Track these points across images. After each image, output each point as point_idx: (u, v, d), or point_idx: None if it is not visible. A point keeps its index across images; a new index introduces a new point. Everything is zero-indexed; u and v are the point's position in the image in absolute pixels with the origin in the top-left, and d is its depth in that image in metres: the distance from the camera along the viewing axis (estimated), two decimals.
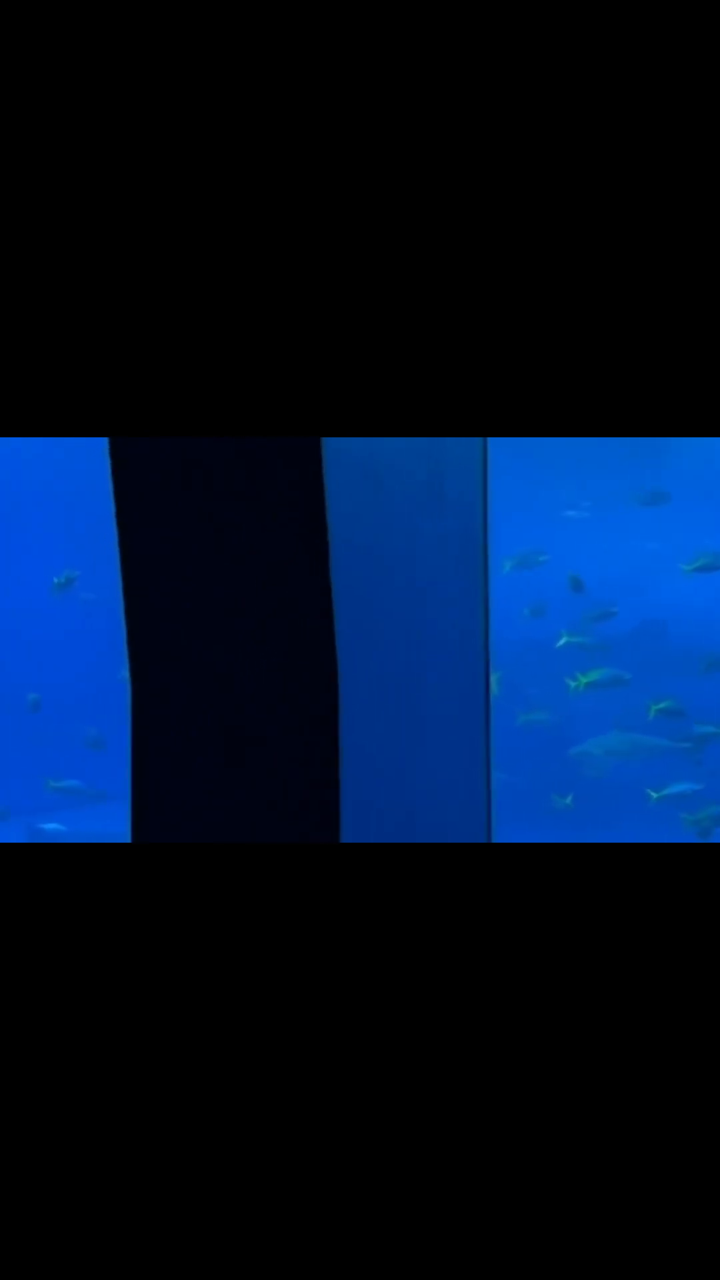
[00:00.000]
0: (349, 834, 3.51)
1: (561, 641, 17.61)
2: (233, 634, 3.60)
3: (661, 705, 15.97)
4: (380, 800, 3.66)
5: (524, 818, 17.54)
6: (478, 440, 4.15)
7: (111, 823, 15.64)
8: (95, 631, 22.14)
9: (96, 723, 19.45)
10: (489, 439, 4.11)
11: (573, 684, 16.40)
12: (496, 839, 4.08)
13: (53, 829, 17.50)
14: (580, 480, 22.08)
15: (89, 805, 17.92)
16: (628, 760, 16.98)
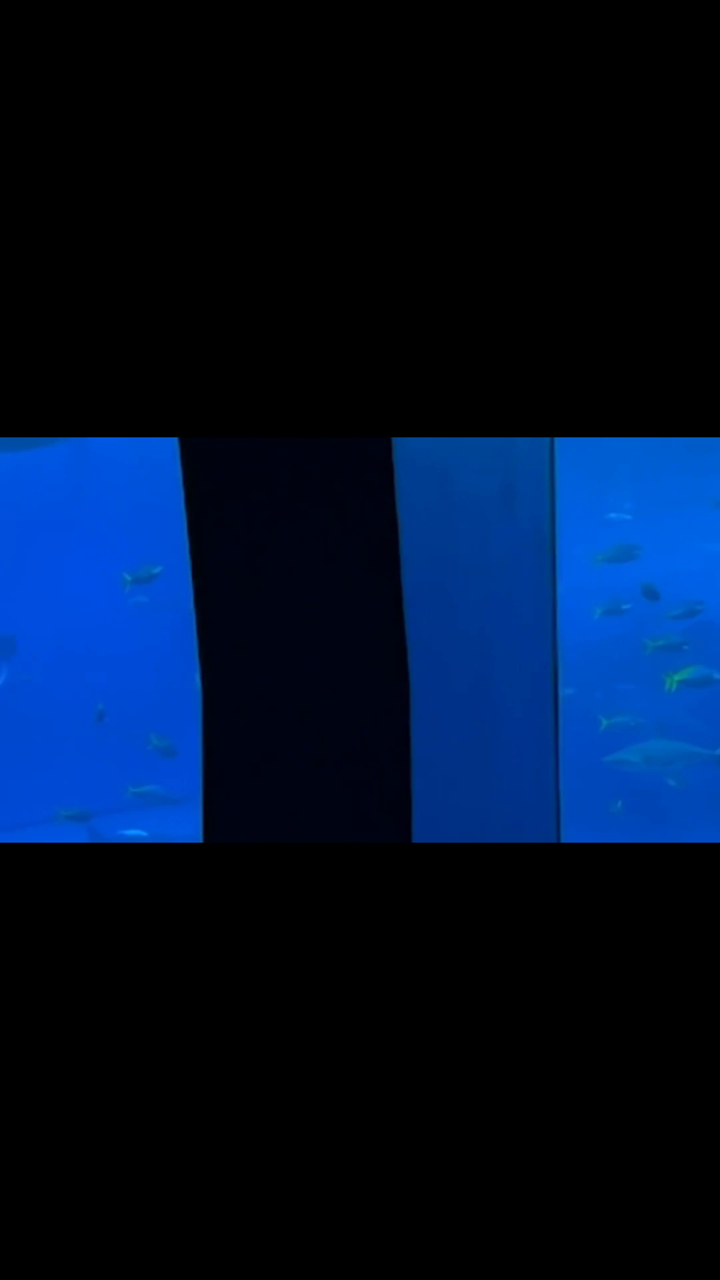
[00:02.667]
0: (420, 834, 3.51)
1: (650, 647, 17.54)
2: (303, 635, 3.60)
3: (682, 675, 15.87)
4: (451, 800, 3.66)
5: (595, 818, 17.48)
6: (545, 440, 4.14)
7: (182, 826, 15.70)
8: (154, 635, 22.17)
9: (159, 728, 19.49)
10: (556, 439, 4.11)
11: (668, 682, 16.33)
12: (566, 839, 4.08)
13: (134, 834, 17.57)
14: (634, 482, 21.98)
15: (161, 809, 17.98)
16: (667, 768, 16.84)
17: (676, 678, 16.42)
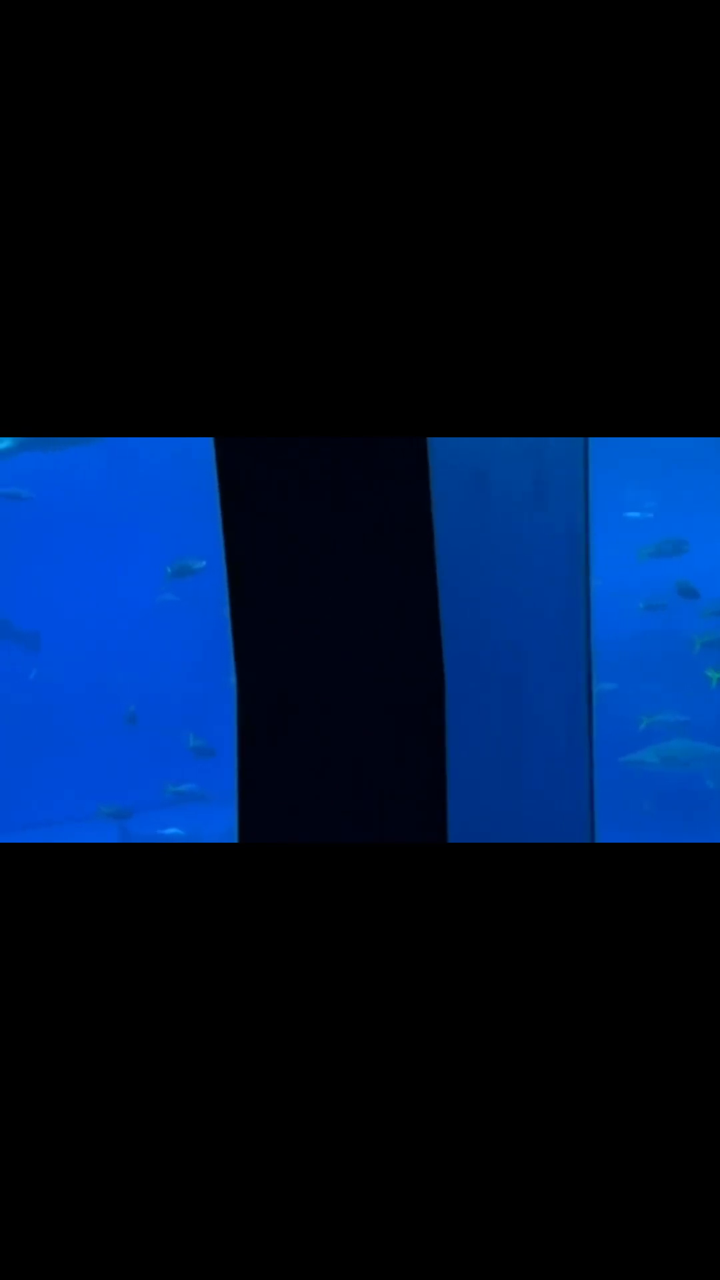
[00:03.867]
0: (456, 834, 3.51)
1: (698, 645, 17.49)
2: (338, 635, 3.61)
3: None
4: (487, 800, 3.66)
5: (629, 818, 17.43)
6: (579, 440, 4.14)
7: (220, 825, 15.72)
8: (184, 634, 22.19)
9: (189, 726, 19.50)
10: (590, 439, 4.11)
11: (714, 676, 16.27)
12: (600, 839, 4.08)
13: (172, 833, 17.59)
14: (660, 478, 21.91)
15: (198, 806, 18.00)
16: (686, 769, 16.71)
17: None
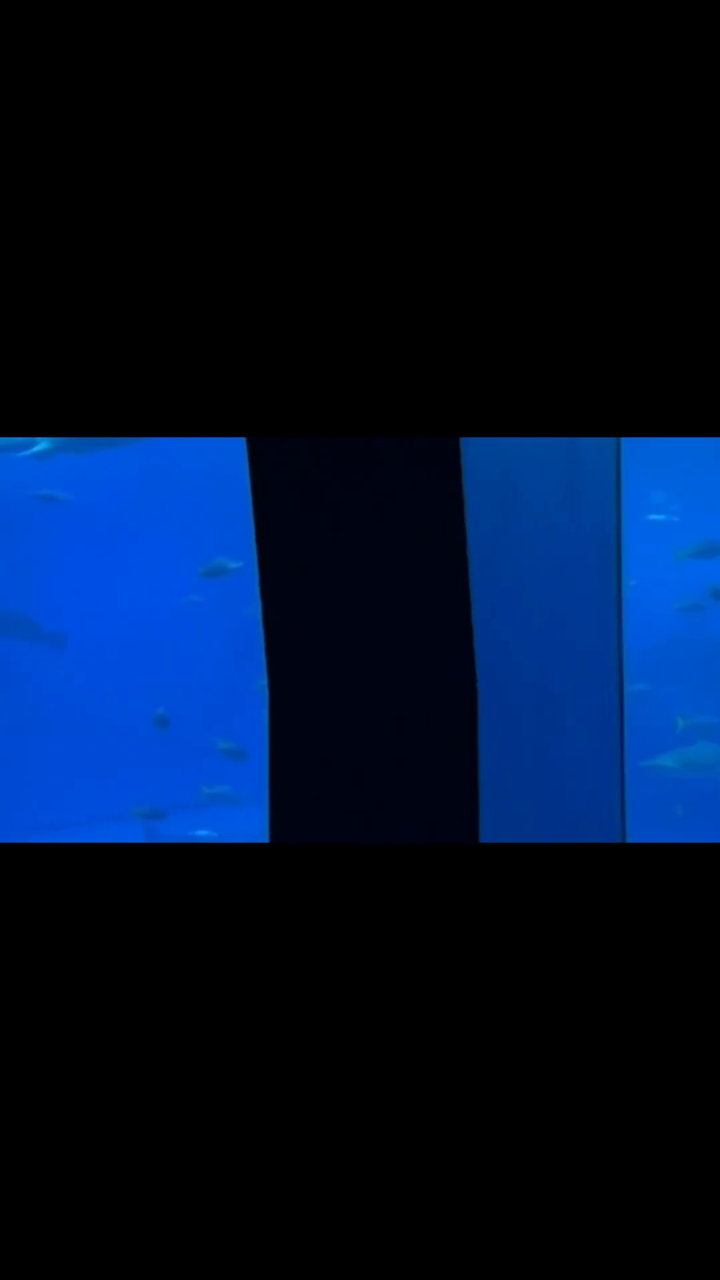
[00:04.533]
0: (488, 834, 3.52)
1: None
2: (370, 635, 3.61)
3: None
4: (518, 800, 3.66)
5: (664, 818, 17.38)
6: (612, 440, 4.14)
7: (247, 827, 15.73)
8: (210, 634, 22.21)
9: (216, 727, 19.52)
10: (623, 439, 4.10)
11: None
12: (631, 839, 4.07)
13: (203, 835, 17.61)
14: (669, 482, 21.86)
15: (226, 809, 18.02)
16: (708, 774, 16.58)
17: None
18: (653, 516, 22.19)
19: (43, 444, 17.30)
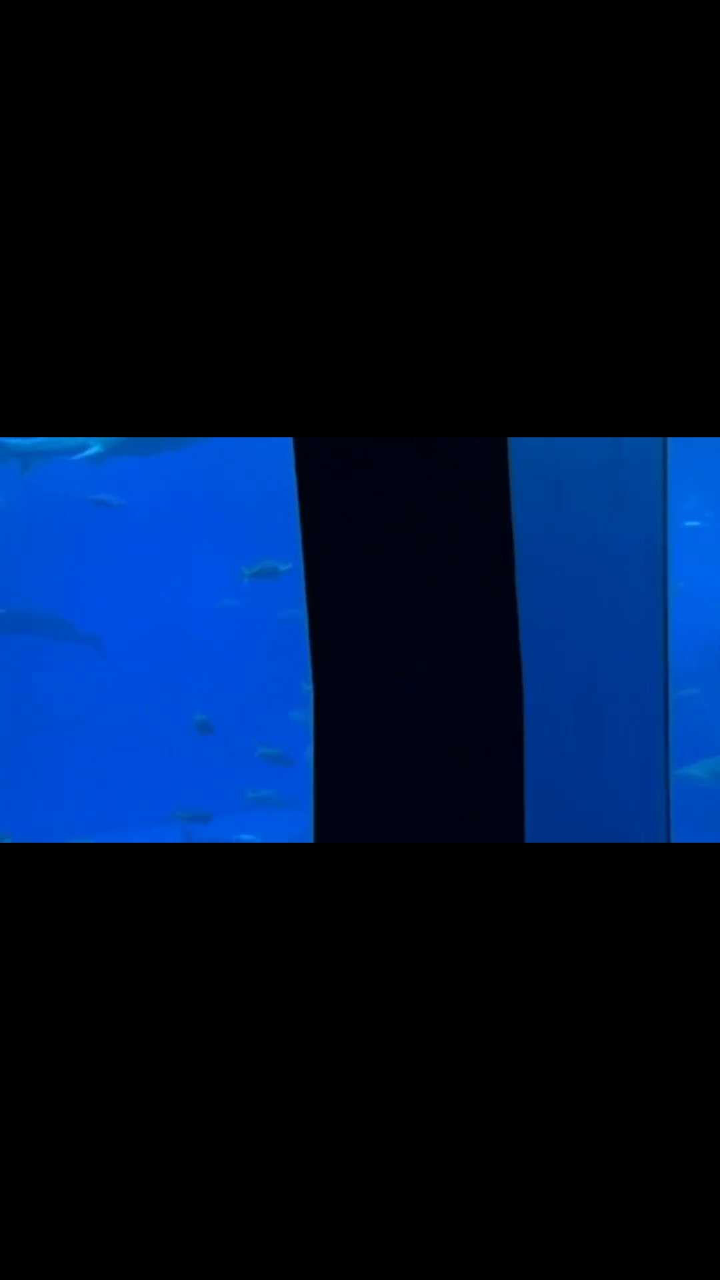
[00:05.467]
0: (533, 834, 3.51)
1: None
2: (417, 636, 3.61)
3: None
4: (563, 801, 3.66)
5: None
6: (658, 440, 4.12)
7: (290, 830, 15.73)
8: (249, 639, 22.21)
9: (251, 728, 19.52)
10: (669, 439, 4.09)
11: None
12: (675, 839, 4.06)
13: (247, 838, 17.60)
14: (706, 488, 21.75)
15: (268, 812, 18.02)
16: None
17: None
18: (688, 523, 22.10)
19: (95, 447, 17.33)
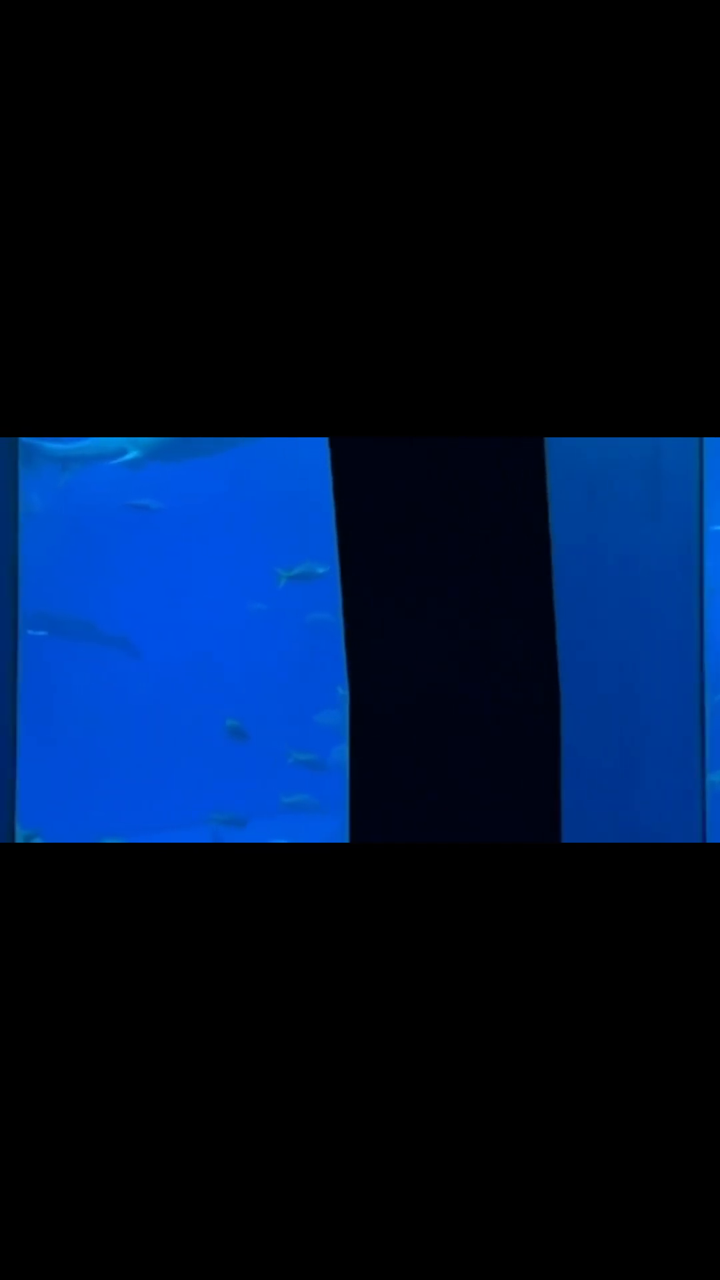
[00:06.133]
0: (570, 834, 3.50)
1: None
2: (453, 636, 3.60)
3: None
4: (599, 801, 3.64)
5: None
6: (694, 446, 4.11)
7: (323, 834, 15.66)
8: (280, 642, 22.12)
9: (295, 735, 19.43)
10: (706, 444, 4.08)
11: None
12: (711, 839, 4.05)
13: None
14: None
15: (301, 816, 17.95)
16: None
17: None
18: (716, 527, 21.87)
19: (133, 452, 17.30)
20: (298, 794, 18.20)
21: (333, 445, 3.73)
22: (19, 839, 4.37)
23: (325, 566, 16.32)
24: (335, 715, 18.02)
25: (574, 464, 3.63)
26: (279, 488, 22.08)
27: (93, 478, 19.24)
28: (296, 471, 21.08)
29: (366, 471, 3.68)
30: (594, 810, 3.61)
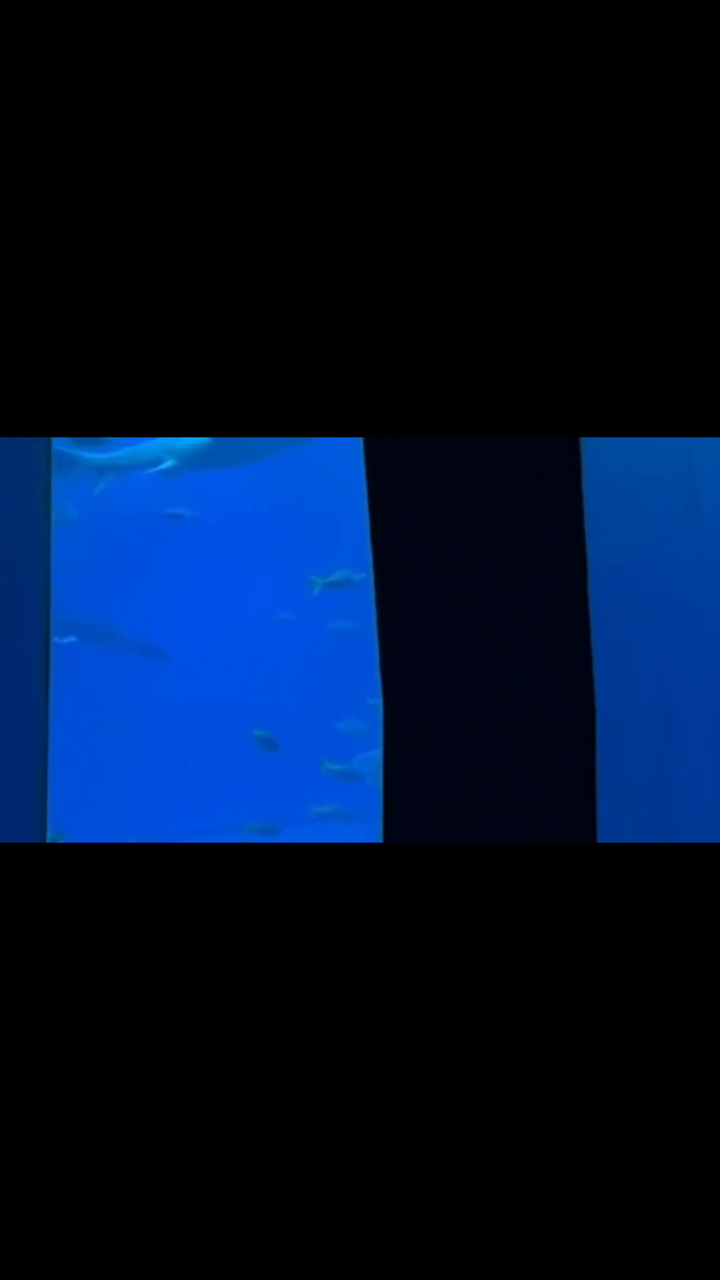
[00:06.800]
0: (605, 834, 3.49)
1: None
2: (489, 636, 3.59)
3: None
4: (635, 801, 3.64)
5: None
6: None
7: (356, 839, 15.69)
8: (305, 650, 22.17)
9: (325, 743, 19.47)
10: None
11: None
12: None
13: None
14: None
15: (334, 824, 17.99)
16: None
17: None
18: None
19: (169, 461, 17.34)
20: (330, 804, 18.24)
21: (366, 446, 3.74)
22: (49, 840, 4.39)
23: (361, 574, 16.34)
24: (358, 723, 18.06)
25: (608, 469, 3.63)
26: (314, 498, 22.13)
27: (129, 487, 19.31)
28: (331, 482, 21.13)
29: (399, 471, 3.68)
30: (630, 810, 3.60)
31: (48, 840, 4.37)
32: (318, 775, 18.36)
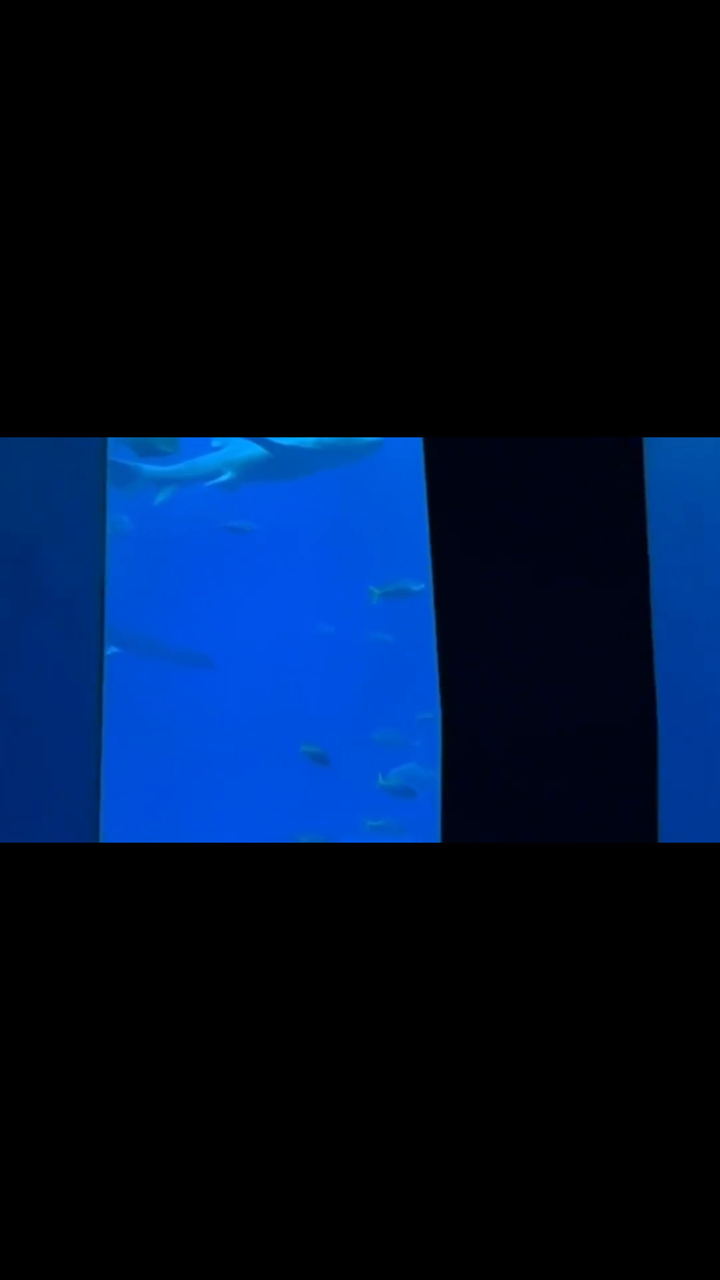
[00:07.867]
0: (667, 834, 3.48)
1: None
2: (550, 636, 3.58)
3: None
4: (698, 800, 3.62)
5: None
6: None
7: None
8: (349, 663, 22.22)
9: (373, 756, 19.49)
10: None
11: None
12: None
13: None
14: None
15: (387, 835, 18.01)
16: None
17: None
18: None
19: (227, 473, 17.41)
20: (383, 818, 18.24)
21: (426, 446, 3.72)
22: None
23: (420, 584, 16.34)
24: (394, 733, 18.16)
25: (672, 466, 3.61)
26: (372, 509, 22.16)
27: (186, 498, 19.39)
28: (388, 493, 21.15)
29: (458, 472, 3.67)
30: (692, 810, 3.58)
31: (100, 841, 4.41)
32: (373, 790, 18.38)
